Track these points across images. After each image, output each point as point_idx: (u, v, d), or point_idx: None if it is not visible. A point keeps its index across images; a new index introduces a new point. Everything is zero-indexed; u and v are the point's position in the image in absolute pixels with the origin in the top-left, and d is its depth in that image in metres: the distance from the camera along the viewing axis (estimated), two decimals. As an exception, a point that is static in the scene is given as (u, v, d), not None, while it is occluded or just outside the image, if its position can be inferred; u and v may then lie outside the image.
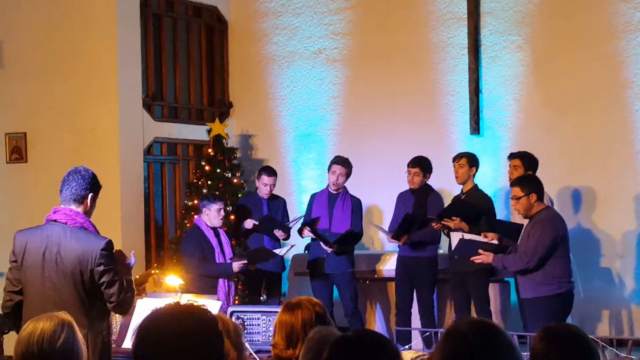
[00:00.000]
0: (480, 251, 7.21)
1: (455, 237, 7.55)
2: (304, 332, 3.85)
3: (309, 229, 8.70)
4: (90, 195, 5.04)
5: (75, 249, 4.91)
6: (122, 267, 5.07)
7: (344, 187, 8.82)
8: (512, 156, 8.40)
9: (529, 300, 7.15)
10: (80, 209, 5.04)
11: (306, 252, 9.66)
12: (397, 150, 9.95)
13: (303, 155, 10.98)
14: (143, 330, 2.52)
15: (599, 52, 9.50)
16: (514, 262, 7.04)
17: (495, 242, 7.40)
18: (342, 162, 8.76)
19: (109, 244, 4.96)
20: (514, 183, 7.27)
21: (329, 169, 8.82)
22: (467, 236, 7.69)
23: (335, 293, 8.85)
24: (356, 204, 8.80)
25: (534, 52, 9.83)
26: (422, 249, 8.61)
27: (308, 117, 10.96)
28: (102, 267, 4.89)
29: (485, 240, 7.48)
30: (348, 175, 8.78)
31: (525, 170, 8.11)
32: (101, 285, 4.92)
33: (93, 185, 5.07)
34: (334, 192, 8.79)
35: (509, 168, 8.38)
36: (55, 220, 5.01)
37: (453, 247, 7.55)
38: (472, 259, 7.33)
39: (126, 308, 5.06)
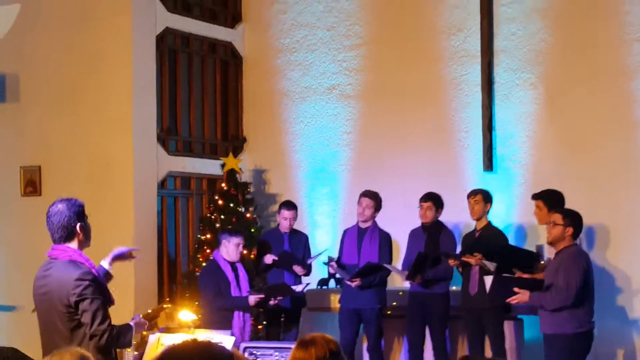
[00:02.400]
0: (517, 289, 7.15)
1: (488, 279, 7.50)
2: (317, 369, 3.84)
3: (334, 264, 8.73)
4: (78, 226, 5.06)
5: (59, 281, 4.97)
6: (138, 327, 5.14)
7: (374, 221, 8.83)
8: (535, 197, 8.34)
9: (549, 335, 7.12)
10: (73, 244, 5.07)
11: (319, 287, 9.68)
12: (410, 187, 9.96)
13: (316, 190, 11.01)
14: (160, 365, 2.54)
15: (612, 90, 9.51)
16: (552, 300, 6.99)
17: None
18: (370, 195, 8.81)
19: (85, 273, 4.94)
20: (560, 211, 7.29)
21: (358, 202, 8.86)
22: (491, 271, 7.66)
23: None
24: (384, 238, 8.81)
25: (547, 89, 9.86)
26: (434, 285, 8.60)
27: (321, 153, 11.00)
28: (75, 297, 4.90)
29: (520, 276, 7.44)
30: (376, 208, 8.80)
31: (549, 210, 8.03)
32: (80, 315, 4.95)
33: (76, 217, 5.07)
34: (363, 227, 8.81)
35: (535, 209, 8.31)
36: (50, 258, 5.11)
37: (487, 287, 7.47)
38: (508, 300, 7.27)
39: (102, 341, 4.95)
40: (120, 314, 8.72)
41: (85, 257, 5.13)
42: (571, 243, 7.13)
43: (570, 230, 7.08)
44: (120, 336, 5.05)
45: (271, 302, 8.26)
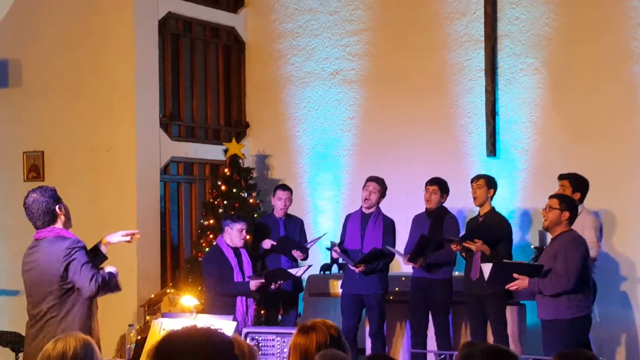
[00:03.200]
0: (516, 275, 7.15)
1: (486, 267, 7.48)
2: (318, 355, 3.84)
3: (337, 249, 8.71)
4: (56, 208, 5.36)
5: (49, 253, 5.29)
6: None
7: (378, 207, 8.81)
8: (561, 177, 8.38)
9: (546, 321, 7.12)
10: (58, 226, 5.40)
11: (322, 272, 9.68)
12: (413, 172, 9.96)
13: (319, 175, 11.00)
14: (159, 351, 2.53)
15: (616, 75, 9.48)
16: (551, 286, 6.98)
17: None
18: (377, 180, 8.78)
19: (74, 242, 5.29)
20: (555, 196, 7.31)
21: (363, 187, 8.85)
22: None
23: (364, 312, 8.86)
24: (388, 224, 8.78)
25: (551, 74, 9.83)
26: (436, 270, 8.59)
27: (324, 138, 10.98)
28: (65, 263, 5.23)
29: (518, 262, 7.45)
30: (381, 194, 8.77)
31: (573, 192, 8.12)
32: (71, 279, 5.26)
33: (53, 200, 5.37)
34: (367, 212, 8.80)
35: (558, 189, 8.34)
36: (37, 239, 5.42)
37: (486, 275, 7.47)
38: (507, 287, 7.28)
39: (92, 287, 5.28)
40: (123, 299, 8.77)
41: (71, 233, 5.33)
42: (568, 228, 7.12)
43: (566, 214, 7.07)
44: (107, 281, 5.36)
45: (272, 287, 8.26)
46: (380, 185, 8.76)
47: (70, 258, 5.24)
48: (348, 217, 9.01)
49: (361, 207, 8.86)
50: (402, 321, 9.25)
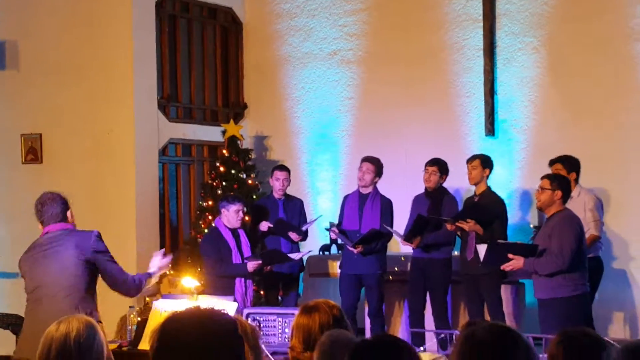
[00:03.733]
0: (510, 256, 7.16)
1: (481, 247, 7.49)
2: (321, 335, 3.86)
3: (335, 230, 8.72)
4: (68, 213, 5.70)
5: (77, 239, 5.60)
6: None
7: (375, 187, 8.81)
8: (552, 162, 8.34)
9: (543, 300, 7.14)
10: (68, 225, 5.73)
11: (321, 253, 9.69)
12: (411, 152, 9.95)
13: (318, 156, 10.99)
14: (163, 332, 2.53)
15: (615, 54, 9.46)
16: (546, 265, 7.00)
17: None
18: (371, 160, 8.78)
19: (99, 233, 5.67)
20: (545, 175, 7.31)
21: (358, 168, 8.85)
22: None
23: (363, 292, 8.87)
24: (386, 204, 8.78)
25: (550, 54, 9.81)
26: (435, 250, 8.61)
27: (323, 119, 10.97)
28: (95, 251, 5.59)
29: (513, 242, 7.46)
30: (377, 173, 8.76)
31: (568, 173, 8.11)
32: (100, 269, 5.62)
33: (65, 204, 5.72)
34: (364, 193, 8.79)
35: (553, 171, 8.31)
36: (47, 232, 5.68)
37: (481, 255, 7.48)
38: (502, 267, 7.29)
39: (133, 288, 5.80)
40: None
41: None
42: (561, 207, 7.12)
43: (559, 193, 7.07)
44: (142, 282, 5.80)
45: (266, 269, 8.27)
46: (374, 164, 8.75)
47: (101, 248, 5.60)
48: (346, 197, 9.01)
49: (358, 187, 8.86)
50: (400, 301, 9.28)
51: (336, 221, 8.93)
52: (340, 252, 9.51)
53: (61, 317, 3.71)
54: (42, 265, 5.57)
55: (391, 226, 8.70)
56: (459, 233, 8.46)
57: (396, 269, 9.20)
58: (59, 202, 5.66)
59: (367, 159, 8.81)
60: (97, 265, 5.59)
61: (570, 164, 8.26)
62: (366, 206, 8.74)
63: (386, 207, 8.77)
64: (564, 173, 8.09)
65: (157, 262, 6.04)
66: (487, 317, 8.30)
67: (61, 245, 5.54)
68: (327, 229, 9.01)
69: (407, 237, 8.55)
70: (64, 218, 5.66)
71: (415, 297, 8.74)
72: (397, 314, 9.32)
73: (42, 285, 5.56)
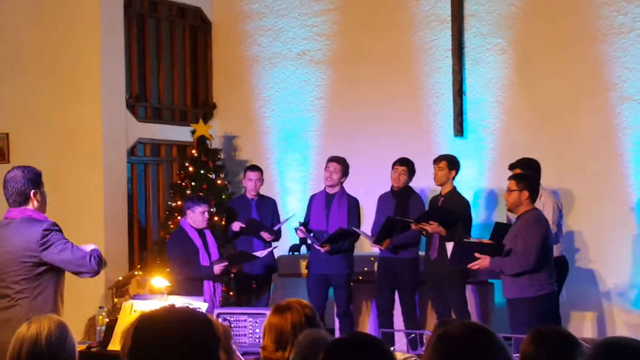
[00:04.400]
0: (477, 255, 7.19)
1: (449, 245, 7.51)
2: (293, 335, 3.85)
3: (303, 229, 8.71)
4: (32, 193, 5.20)
5: (23, 234, 5.13)
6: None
7: (342, 187, 8.82)
8: (512, 166, 8.34)
9: (511, 300, 7.18)
10: (30, 207, 5.22)
11: (291, 253, 9.67)
12: (380, 152, 9.96)
13: (287, 156, 10.98)
14: (138, 331, 2.51)
15: (582, 54, 9.54)
16: (511, 265, 7.04)
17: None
18: (337, 160, 8.80)
19: (51, 224, 5.16)
20: (512, 176, 7.34)
21: (325, 167, 8.85)
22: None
23: (330, 292, 8.87)
24: (352, 203, 8.80)
25: (518, 54, 9.87)
26: (403, 250, 8.63)
27: (292, 119, 10.96)
28: (43, 246, 5.09)
29: (480, 241, 7.49)
30: (344, 173, 8.79)
31: None
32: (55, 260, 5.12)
33: (30, 183, 5.21)
34: (331, 193, 8.80)
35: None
36: (6, 218, 5.24)
37: (449, 253, 7.50)
38: (468, 266, 7.32)
39: (92, 267, 5.20)
40: (91, 282, 8.68)
41: (44, 216, 5.20)
42: (530, 207, 7.15)
43: (526, 194, 7.10)
44: (99, 257, 5.25)
45: (232, 270, 8.25)
46: (340, 164, 8.78)
47: (49, 241, 5.11)
48: (312, 197, 9.01)
49: (325, 187, 8.86)
50: (368, 301, 9.29)
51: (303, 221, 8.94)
52: (309, 252, 9.51)
53: (26, 318, 3.66)
54: None
55: (358, 225, 8.72)
56: (424, 233, 8.49)
57: (365, 269, 9.21)
58: (19, 180, 5.18)
59: (333, 159, 8.83)
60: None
61: (530, 167, 8.21)
62: (333, 206, 8.75)
63: (353, 207, 8.79)
64: None
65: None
66: (454, 317, 8.33)
67: (9, 243, 5.13)
68: (295, 229, 9.01)
69: (377, 240, 8.56)
70: (23, 200, 5.19)
71: (384, 297, 8.75)
72: (365, 314, 9.34)
73: None
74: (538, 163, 8.32)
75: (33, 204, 5.23)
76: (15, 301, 5.15)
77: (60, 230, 5.22)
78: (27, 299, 5.13)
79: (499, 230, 7.85)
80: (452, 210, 8.31)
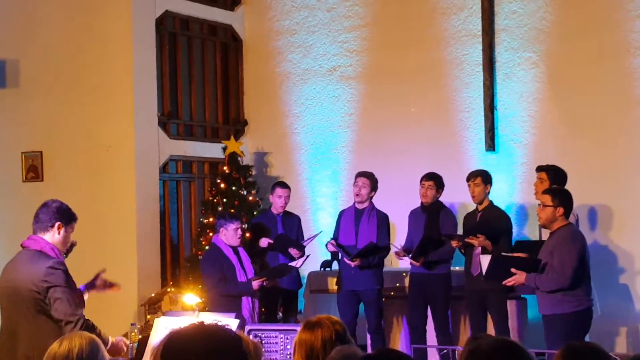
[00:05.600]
0: (513, 270, 7.10)
1: (485, 259, 7.42)
2: (324, 351, 3.84)
3: (334, 242, 8.71)
4: (57, 224, 5.18)
5: (28, 269, 5.09)
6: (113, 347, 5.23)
7: (371, 202, 8.81)
8: (539, 169, 8.37)
9: (547, 316, 7.10)
10: (47, 237, 5.19)
11: (322, 269, 9.66)
12: (412, 167, 9.94)
13: (318, 172, 10.99)
14: (167, 348, 2.52)
15: (614, 68, 9.48)
16: (547, 282, 6.94)
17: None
18: (366, 175, 8.79)
19: (57, 262, 5.08)
20: (546, 191, 7.24)
21: (354, 183, 8.85)
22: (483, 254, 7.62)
23: (361, 308, 8.85)
24: (382, 218, 8.78)
25: (549, 68, 9.83)
26: (435, 266, 8.60)
27: (323, 135, 10.98)
28: (46, 284, 5.02)
29: (517, 255, 7.39)
30: (373, 188, 8.78)
31: (551, 184, 8.07)
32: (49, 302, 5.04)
33: (59, 215, 5.19)
34: (360, 208, 8.80)
35: (536, 180, 8.35)
36: (23, 246, 5.26)
37: (484, 268, 7.40)
38: (504, 282, 7.21)
39: (77, 328, 5.01)
40: (124, 298, 8.77)
41: (56, 251, 5.16)
42: (565, 223, 7.04)
43: (560, 210, 7.00)
44: (95, 329, 5.09)
45: (265, 284, 8.25)
46: (369, 179, 8.77)
47: (53, 283, 5.03)
48: (341, 213, 9.01)
49: (354, 203, 8.86)
50: (399, 317, 9.25)
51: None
52: (339, 268, 9.49)
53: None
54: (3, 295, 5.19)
55: (388, 240, 8.70)
56: (462, 250, 8.44)
57: (397, 284, 9.19)
58: (50, 210, 5.18)
59: (362, 174, 8.83)
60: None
61: (555, 176, 8.18)
62: (362, 221, 8.74)
63: (382, 222, 8.77)
64: (547, 183, 8.07)
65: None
66: (490, 332, 8.27)
67: (16, 275, 5.11)
68: (326, 243, 8.99)
69: (414, 256, 8.52)
70: (43, 229, 5.17)
71: (416, 313, 8.72)
72: (397, 330, 9.30)
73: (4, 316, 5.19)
74: (565, 174, 8.26)
75: (54, 236, 5.22)
76: (16, 336, 5.08)
77: (65, 272, 5.12)
78: (25, 334, 5.07)
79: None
80: (494, 224, 8.24)
